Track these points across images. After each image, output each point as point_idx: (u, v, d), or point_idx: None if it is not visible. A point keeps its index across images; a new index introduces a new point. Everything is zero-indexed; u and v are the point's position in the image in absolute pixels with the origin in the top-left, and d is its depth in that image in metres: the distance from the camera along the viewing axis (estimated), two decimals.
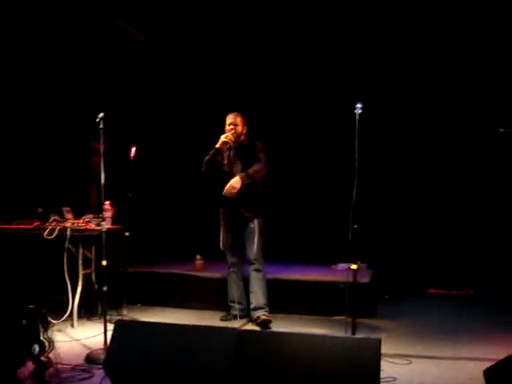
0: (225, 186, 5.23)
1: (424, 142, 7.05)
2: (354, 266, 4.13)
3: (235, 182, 5.19)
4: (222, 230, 5.54)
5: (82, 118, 5.53)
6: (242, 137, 5.46)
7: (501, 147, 6.41)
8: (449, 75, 6.89)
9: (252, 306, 5.39)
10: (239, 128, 5.42)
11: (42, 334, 1.69)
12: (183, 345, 3.29)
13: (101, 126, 4.38)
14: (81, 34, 6.66)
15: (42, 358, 1.64)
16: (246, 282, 5.51)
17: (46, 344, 1.62)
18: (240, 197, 5.25)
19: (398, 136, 7.05)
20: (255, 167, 5.32)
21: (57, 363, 3.92)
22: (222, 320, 5.53)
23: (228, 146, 5.39)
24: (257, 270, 5.38)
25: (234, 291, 5.55)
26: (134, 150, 5.43)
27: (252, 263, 5.38)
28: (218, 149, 5.36)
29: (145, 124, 7.43)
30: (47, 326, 1.68)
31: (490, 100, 6.73)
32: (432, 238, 7.05)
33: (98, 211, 5.40)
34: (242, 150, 5.43)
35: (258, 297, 5.35)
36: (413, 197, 7.10)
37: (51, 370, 3.68)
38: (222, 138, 5.33)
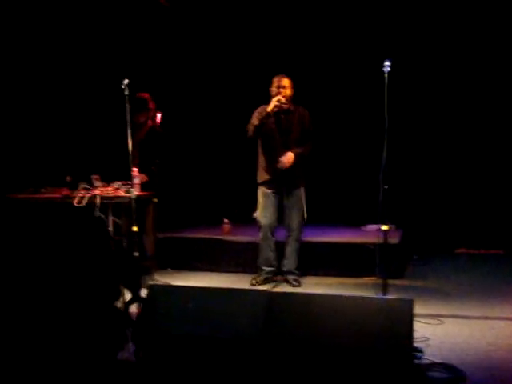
0: (270, 152, 5.29)
1: (456, 99, 6.91)
2: (384, 227, 4.11)
3: (289, 158, 5.22)
4: (262, 197, 5.44)
5: (112, 85, 5.52)
6: (289, 100, 5.33)
7: None
8: (477, 34, 6.71)
9: (284, 270, 5.48)
10: (288, 91, 5.29)
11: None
12: (215, 308, 3.33)
13: (126, 93, 4.38)
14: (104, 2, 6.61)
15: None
16: (277, 245, 5.51)
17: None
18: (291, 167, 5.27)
19: (427, 94, 6.92)
20: (306, 146, 5.34)
21: None
22: (251, 285, 5.46)
23: (277, 110, 5.25)
24: (295, 240, 5.43)
25: (267, 254, 5.47)
26: (159, 116, 5.41)
27: (292, 230, 5.41)
28: (269, 113, 5.22)
29: (171, 90, 7.39)
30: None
31: None
32: (460, 198, 6.97)
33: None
34: (290, 117, 5.34)
35: (291, 263, 5.44)
36: (442, 156, 7.01)
37: None
38: (274, 102, 5.19)
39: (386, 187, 4.03)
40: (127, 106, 4.40)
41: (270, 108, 5.20)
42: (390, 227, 4.24)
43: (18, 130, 6.08)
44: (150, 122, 5.70)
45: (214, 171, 7.77)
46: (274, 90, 5.29)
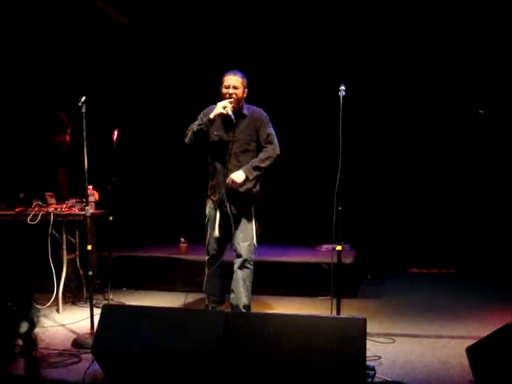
0: (219, 164, 4.54)
1: (407, 123, 7.11)
2: (338, 247, 4.17)
3: (237, 177, 4.38)
4: (208, 208, 4.71)
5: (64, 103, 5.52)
6: (241, 103, 4.53)
7: (481, 128, 6.49)
8: (430, 57, 6.93)
9: (232, 304, 4.60)
10: (239, 93, 4.45)
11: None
12: (171, 328, 3.33)
13: (83, 110, 4.34)
14: (62, 17, 6.57)
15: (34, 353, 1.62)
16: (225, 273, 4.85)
17: (36, 320, 1.61)
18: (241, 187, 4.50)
19: (381, 118, 7.11)
20: (262, 155, 4.51)
21: (43, 348, 3.95)
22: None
23: (224, 115, 4.41)
24: (244, 267, 4.55)
25: (212, 282, 4.74)
26: (116, 133, 5.38)
27: (239, 257, 4.55)
28: (211, 120, 4.40)
29: (127, 108, 7.38)
30: (31, 307, 1.67)
31: (470, 82, 6.80)
32: (413, 218, 7.14)
33: (69, 197, 5.39)
34: (242, 121, 4.53)
35: (240, 298, 4.53)
36: (394, 178, 7.17)
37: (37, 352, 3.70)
38: (220, 109, 4.35)
39: (339, 208, 4.09)
40: (84, 122, 4.36)
41: (213, 114, 4.38)
42: (343, 247, 4.30)
43: None
44: (67, 139, 5.82)
45: (170, 188, 7.75)
46: (223, 90, 4.47)
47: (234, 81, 4.43)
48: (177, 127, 6.64)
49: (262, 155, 4.52)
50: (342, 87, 4.16)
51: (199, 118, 4.58)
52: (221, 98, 4.48)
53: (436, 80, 6.95)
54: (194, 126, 4.49)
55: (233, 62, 6.72)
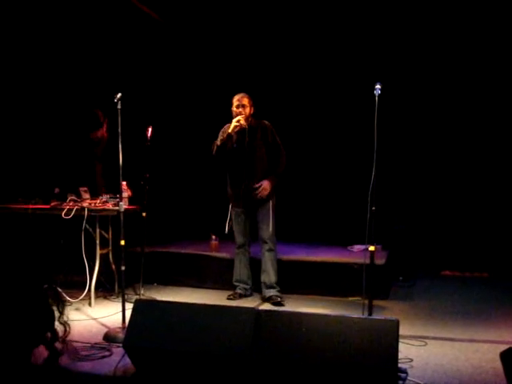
0: (236, 172, 5.42)
1: (443, 122, 6.99)
2: (371, 248, 4.13)
3: (267, 186, 5.35)
4: (232, 212, 5.62)
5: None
6: (250, 118, 5.45)
7: None
8: (466, 54, 6.81)
9: (264, 285, 5.51)
10: (247, 109, 5.41)
11: (57, 318, 1.67)
12: (202, 325, 3.34)
13: (118, 107, 4.39)
14: (96, 14, 6.64)
15: (57, 345, 1.62)
16: (252, 263, 5.70)
17: (61, 329, 1.60)
18: (256, 180, 5.40)
19: (416, 117, 7.00)
20: (280, 164, 5.48)
21: (75, 341, 4.01)
22: (228, 299, 5.54)
23: (239, 130, 5.36)
24: (270, 250, 5.48)
25: (241, 271, 5.63)
26: (150, 130, 5.44)
27: (266, 243, 5.47)
28: (230, 134, 5.35)
29: (161, 105, 7.44)
30: (63, 307, 1.66)
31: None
32: (446, 220, 7.04)
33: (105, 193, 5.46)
34: (253, 133, 5.43)
35: (270, 275, 5.47)
36: (428, 178, 7.08)
37: (70, 348, 3.74)
38: (234, 123, 5.31)
39: (373, 208, 4.06)
40: (119, 119, 4.41)
41: (230, 129, 5.32)
42: (376, 248, 4.26)
43: (9, 141, 6.11)
44: (104, 136, 5.90)
45: (202, 186, 7.78)
46: (234, 110, 5.43)
47: (242, 101, 5.39)
48: (209, 126, 6.71)
49: (278, 164, 5.50)
50: (378, 86, 4.12)
51: (219, 134, 5.50)
52: (233, 116, 5.40)
53: (475, 79, 6.81)
54: (218, 141, 5.44)
55: (267, 60, 6.78)
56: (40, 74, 6.43)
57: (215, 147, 5.45)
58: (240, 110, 5.37)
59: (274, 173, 5.47)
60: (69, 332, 1.72)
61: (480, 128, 6.85)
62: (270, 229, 5.44)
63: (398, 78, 6.57)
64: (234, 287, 5.68)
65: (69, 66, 6.68)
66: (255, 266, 5.67)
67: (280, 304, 5.32)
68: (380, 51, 6.92)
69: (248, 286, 5.67)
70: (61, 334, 1.69)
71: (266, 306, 5.27)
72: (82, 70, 6.77)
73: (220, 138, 5.47)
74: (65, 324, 1.70)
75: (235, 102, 5.43)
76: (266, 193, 5.35)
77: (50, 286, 1.69)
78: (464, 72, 6.81)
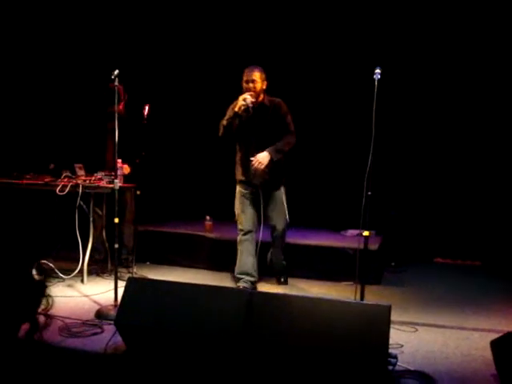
0: (245, 151, 4.99)
1: (440, 111, 6.96)
2: (366, 233, 4.12)
3: (263, 158, 4.80)
4: (239, 197, 5.13)
5: (99, 79, 5.52)
6: (262, 95, 4.94)
7: None
8: (468, 42, 6.76)
9: (272, 259, 5.42)
10: (258, 85, 4.86)
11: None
12: (194, 304, 3.34)
13: (116, 84, 4.36)
14: None
15: (39, 318, 1.60)
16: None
17: (43, 303, 1.59)
18: (267, 168, 4.89)
19: (415, 102, 6.96)
20: (285, 139, 4.93)
21: (67, 318, 4.02)
22: None
23: (246, 108, 4.80)
24: (281, 237, 5.30)
25: (247, 261, 5.09)
26: (147, 108, 5.39)
27: (277, 231, 5.21)
28: (237, 113, 4.80)
29: (159, 83, 7.37)
30: (47, 281, 1.65)
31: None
32: (440, 207, 7.04)
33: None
34: (264, 112, 4.94)
35: (278, 252, 5.37)
36: (425, 167, 7.06)
37: (56, 324, 3.73)
38: (241, 102, 4.76)
39: (369, 193, 4.04)
40: (116, 96, 4.38)
41: (237, 108, 4.79)
42: (370, 233, 4.26)
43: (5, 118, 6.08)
44: (122, 111, 5.75)
45: (198, 166, 7.76)
46: (244, 84, 4.90)
47: (252, 75, 4.85)
48: (208, 104, 6.67)
49: (285, 140, 4.95)
50: (378, 70, 4.06)
51: (227, 112, 4.96)
52: (243, 91, 4.89)
53: (476, 68, 6.76)
54: (224, 121, 4.92)
55: (267, 44, 6.70)
56: (30, 57, 6.38)
57: (222, 128, 4.94)
58: (250, 85, 4.84)
59: (277, 146, 4.88)
60: (51, 306, 1.70)
61: (476, 116, 6.82)
62: (283, 220, 5.17)
63: (396, 64, 6.51)
64: (236, 280, 5.18)
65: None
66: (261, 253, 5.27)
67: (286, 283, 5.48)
68: (381, 36, 6.85)
69: (254, 279, 5.10)
70: (43, 307, 1.68)
71: (263, 287, 5.29)
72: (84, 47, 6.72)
73: (226, 117, 4.93)
74: (47, 297, 1.69)
75: (244, 76, 4.88)
76: (261, 166, 4.80)
77: (35, 261, 1.68)
78: (462, 59, 6.76)
